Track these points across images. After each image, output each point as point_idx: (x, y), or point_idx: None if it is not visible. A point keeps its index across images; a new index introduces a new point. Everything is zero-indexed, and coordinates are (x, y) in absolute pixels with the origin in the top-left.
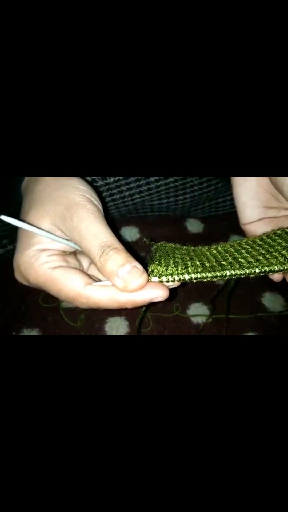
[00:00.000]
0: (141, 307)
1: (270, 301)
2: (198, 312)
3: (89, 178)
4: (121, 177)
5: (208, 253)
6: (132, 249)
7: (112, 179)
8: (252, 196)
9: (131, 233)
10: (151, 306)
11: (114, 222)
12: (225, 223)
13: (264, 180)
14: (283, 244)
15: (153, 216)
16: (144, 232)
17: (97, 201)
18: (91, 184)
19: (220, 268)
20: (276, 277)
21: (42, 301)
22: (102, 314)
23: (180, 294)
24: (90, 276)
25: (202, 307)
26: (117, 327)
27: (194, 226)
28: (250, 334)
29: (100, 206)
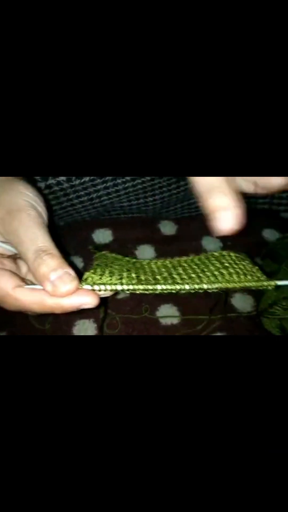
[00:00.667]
0: (101, 307)
1: (240, 301)
2: (167, 314)
3: (53, 181)
4: (86, 179)
5: (147, 266)
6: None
7: (78, 181)
8: None
9: (104, 235)
10: (119, 307)
11: (86, 224)
12: (198, 224)
13: None
14: (217, 265)
15: (126, 218)
16: (117, 234)
17: (41, 207)
18: (52, 186)
19: (153, 282)
20: None
21: None
22: (70, 317)
23: (149, 296)
24: (24, 280)
25: (172, 309)
26: (85, 330)
27: (167, 227)
28: (218, 334)
29: (43, 212)
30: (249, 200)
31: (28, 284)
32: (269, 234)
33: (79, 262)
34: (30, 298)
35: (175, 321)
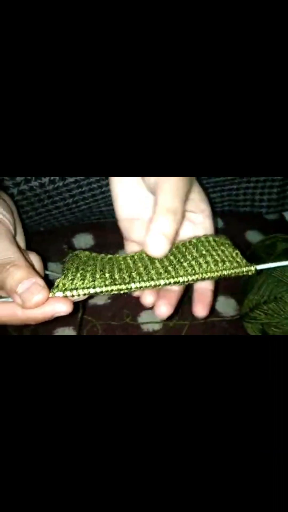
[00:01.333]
0: (78, 311)
1: (224, 305)
2: (149, 319)
3: (26, 187)
4: (60, 184)
5: (122, 262)
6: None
7: (51, 186)
8: (124, 188)
9: (86, 239)
10: (100, 314)
11: (66, 229)
12: None
13: None
14: (194, 254)
15: (108, 222)
16: (98, 239)
17: (5, 216)
18: (26, 192)
19: (128, 280)
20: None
21: None
22: (49, 325)
23: (131, 302)
24: None
25: (154, 314)
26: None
27: None
28: None
29: (9, 221)
30: (232, 202)
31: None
32: (252, 236)
33: (60, 268)
34: (1, 312)
35: (157, 327)
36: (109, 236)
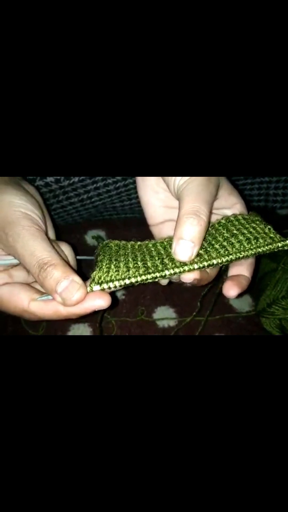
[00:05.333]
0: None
1: (238, 301)
2: (164, 316)
3: (42, 182)
4: (75, 180)
5: (153, 249)
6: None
7: (67, 181)
8: (152, 195)
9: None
10: (115, 310)
11: (79, 226)
12: None
13: (161, 179)
14: (225, 234)
15: (120, 219)
16: (111, 236)
17: (35, 213)
18: (42, 188)
19: (161, 267)
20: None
21: None
22: (64, 321)
23: (146, 298)
24: (36, 289)
25: (168, 310)
26: (80, 334)
27: None
28: (216, 335)
29: (39, 218)
30: (246, 197)
31: (40, 294)
32: None
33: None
34: (45, 311)
35: (172, 323)
36: (121, 232)
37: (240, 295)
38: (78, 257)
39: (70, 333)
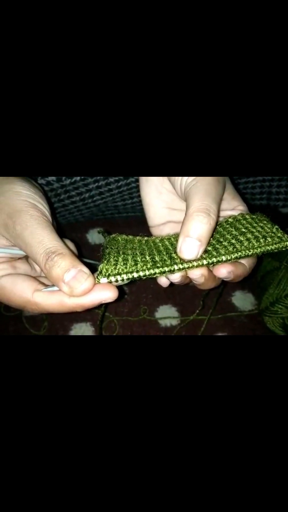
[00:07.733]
0: (100, 307)
1: (241, 300)
2: (166, 315)
3: (43, 181)
4: (77, 178)
5: (160, 244)
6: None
7: (68, 180)
8: (155, 196)
9: (99, 235)
10: (117, 309)
11: (80, 225)
12: None
13: (166, 179)
14: (233, 232)
15: (121, 218)
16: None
17: (42, 205)
18: (43, 186)
19: (169, 262)
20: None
21: (4, 309)
22: (66, 321)
23: (148, 297)
24: (40, 281)
25: (171, 309)
26: (82, 334)
27: None
28: (219, 334)
29: (46, 210)
30: (247, 196)
31: (45, 286)
32: None
33: None
34: (50, 302)
35: (174, 322)
36: (122, 231)
37: (241, 295)
38: (85, 260)
39: (72, 332)
